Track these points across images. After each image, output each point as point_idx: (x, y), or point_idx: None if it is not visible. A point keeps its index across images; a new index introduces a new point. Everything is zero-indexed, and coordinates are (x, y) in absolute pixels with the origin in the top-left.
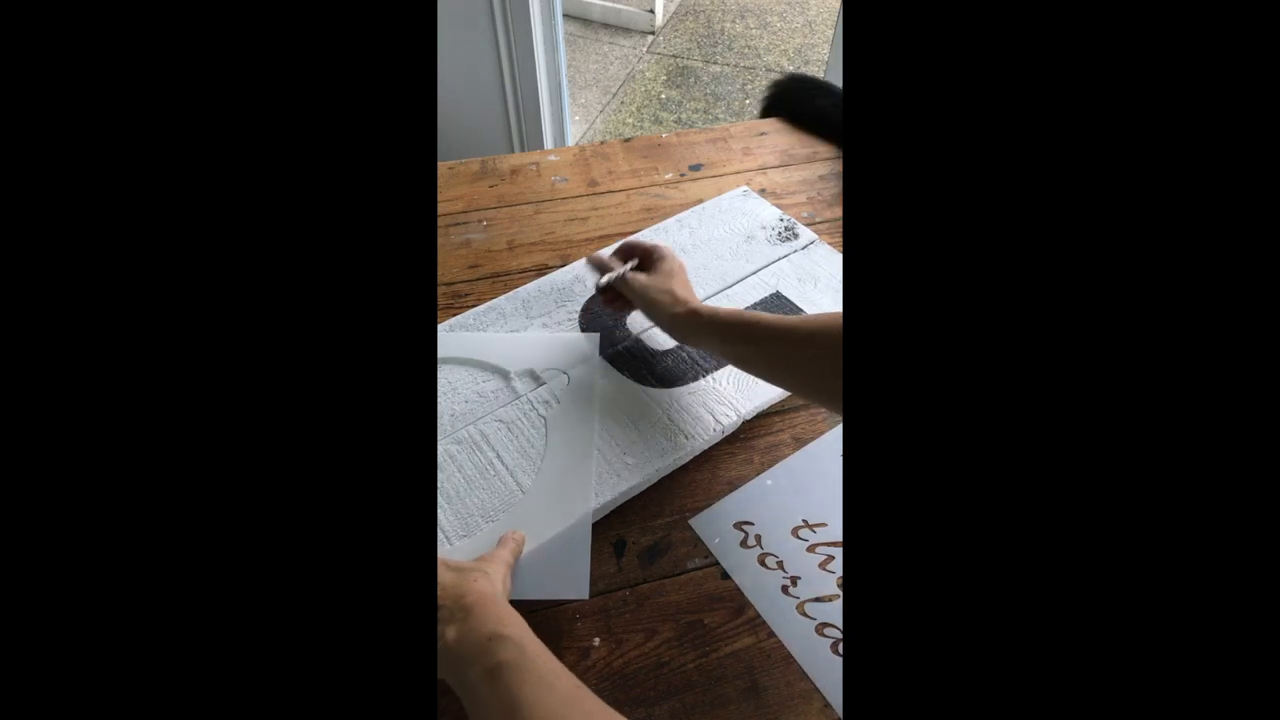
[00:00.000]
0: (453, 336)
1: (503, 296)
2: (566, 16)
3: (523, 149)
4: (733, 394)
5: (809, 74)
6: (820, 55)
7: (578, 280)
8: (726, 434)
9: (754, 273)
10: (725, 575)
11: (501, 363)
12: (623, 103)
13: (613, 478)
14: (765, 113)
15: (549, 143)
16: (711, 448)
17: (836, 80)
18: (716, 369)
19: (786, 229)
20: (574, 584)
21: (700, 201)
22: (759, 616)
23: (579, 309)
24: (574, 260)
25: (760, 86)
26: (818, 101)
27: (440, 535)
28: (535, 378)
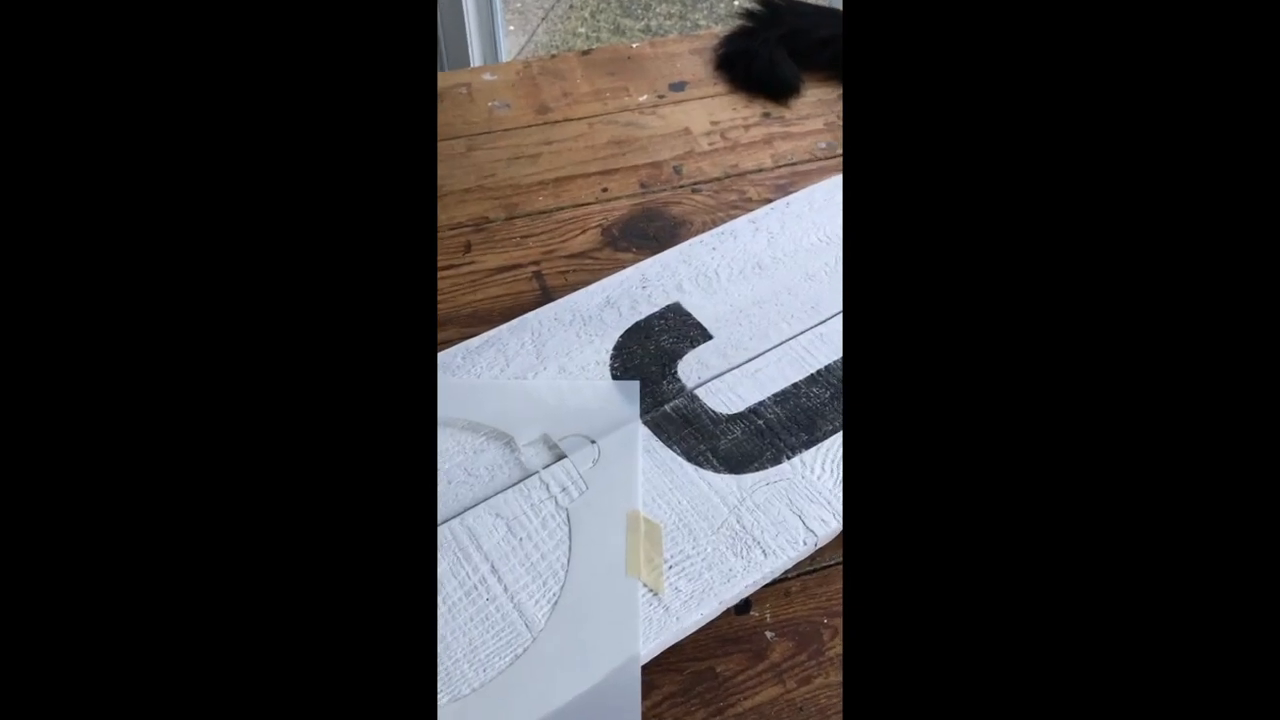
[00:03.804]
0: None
1: (504, 325)
2: None
3: (445, 68)
4: (831, 488)
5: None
6: None
7: (609, 305)
8: (820, 546)
9: None
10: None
11: (502, 423)
12: (571, 6)
13: (659, 612)
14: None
15: (476, 59)
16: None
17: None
18: (806, 447)
19: None
20: None
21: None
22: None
23: (611, 346)
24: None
25: None
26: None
27: None
28: (551, 447)
